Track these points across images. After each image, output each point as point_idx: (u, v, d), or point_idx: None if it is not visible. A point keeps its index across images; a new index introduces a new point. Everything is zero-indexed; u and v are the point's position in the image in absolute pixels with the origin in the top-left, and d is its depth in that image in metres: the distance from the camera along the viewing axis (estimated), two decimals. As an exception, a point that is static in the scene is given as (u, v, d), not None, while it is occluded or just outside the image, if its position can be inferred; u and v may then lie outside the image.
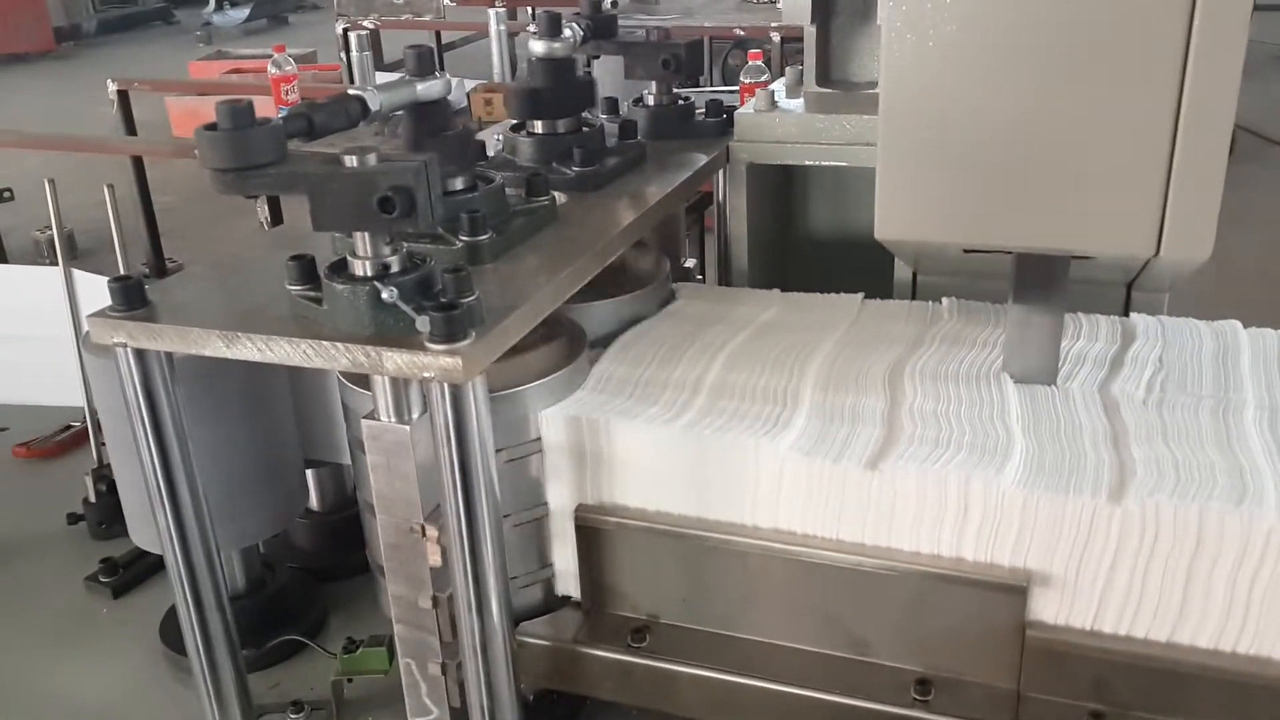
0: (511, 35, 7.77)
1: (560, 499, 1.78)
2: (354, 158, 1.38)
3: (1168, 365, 1.84)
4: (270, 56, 5.83)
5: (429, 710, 1.68)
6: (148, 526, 2.11)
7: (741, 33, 5.52)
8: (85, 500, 2.73)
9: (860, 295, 2.13)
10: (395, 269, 1.43)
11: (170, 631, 2.37)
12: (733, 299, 2.14)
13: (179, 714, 2.18)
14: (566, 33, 2.01)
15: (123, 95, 6.69)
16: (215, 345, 1.47)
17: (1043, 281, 1.72)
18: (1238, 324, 1.96)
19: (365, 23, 7.59)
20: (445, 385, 1.39)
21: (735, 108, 2.26)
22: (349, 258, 1.44)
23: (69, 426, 3.17)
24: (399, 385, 1.51)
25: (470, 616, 1.53)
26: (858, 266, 2.21)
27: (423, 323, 1.37)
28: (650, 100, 2.28)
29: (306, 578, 2.49)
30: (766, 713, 1.71)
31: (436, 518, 1.54)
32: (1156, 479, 1.54)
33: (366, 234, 1.41)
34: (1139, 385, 1.78)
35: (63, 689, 2.27)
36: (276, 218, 3.18)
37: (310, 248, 1.62)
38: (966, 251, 1.76)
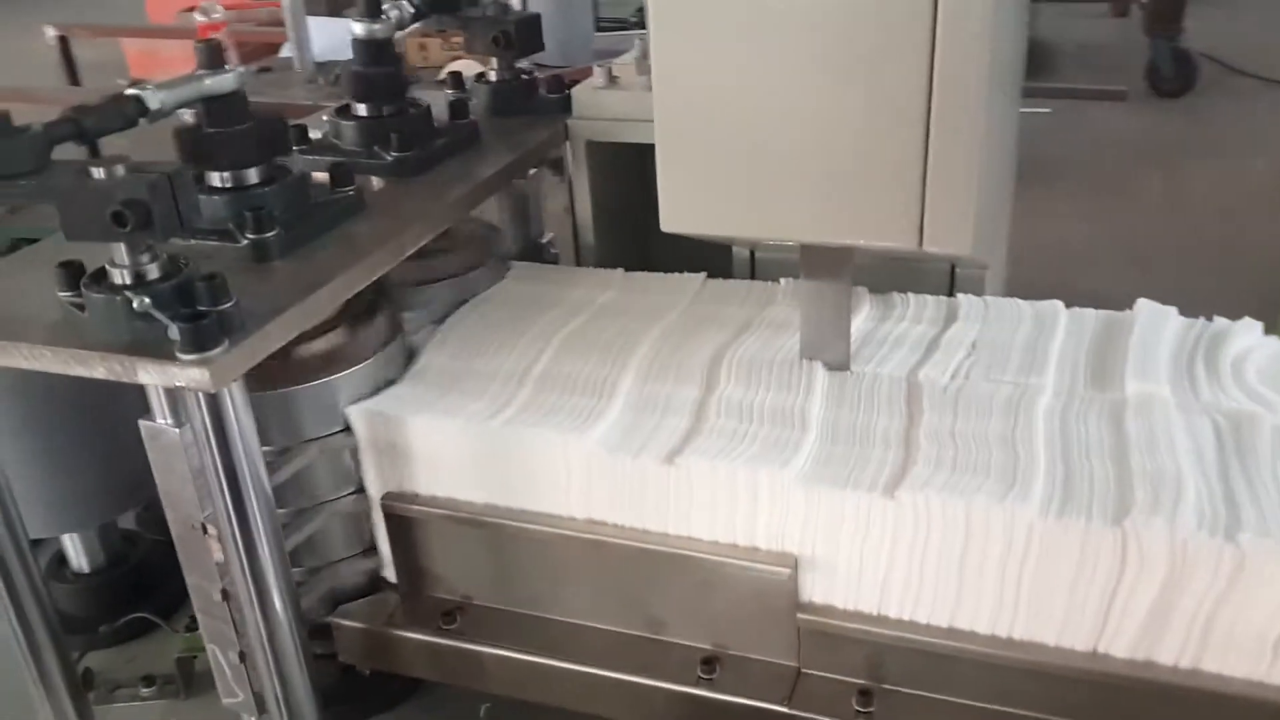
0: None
1: (373, 488, 1.81)
2: (102, 169, 1.38)
3: (980, 349, 1.86)
4: (231, -13, 5.75)
5: (236, 693, 1.72)
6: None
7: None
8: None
9: (702, 275, 2.14)
10: (154, 276, 1.44)
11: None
12: (571, 279, 2.15)
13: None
14: (393, 13, 1.99)
15: (63, 41, 6.59)
16: (-12, 351, 1.48)
17: (828, 267, 1.74)
18: (1059, 304, 1.97)
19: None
20: (200, 394, 1.41)
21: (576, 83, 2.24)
22: (107, 266, 1.45)
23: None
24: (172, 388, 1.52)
25: (254, 612, 1.56)
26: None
27: (174, 332, 1.38)
28: (493, 76, 2.26)
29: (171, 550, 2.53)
30: (565, 690, 1.76)
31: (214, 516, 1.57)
32: (932, 473, 1.56)
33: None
34: (945, 371, 1.80)
35: None
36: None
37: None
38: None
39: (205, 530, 1.57)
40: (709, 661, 1.69)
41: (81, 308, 1.47)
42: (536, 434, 1.68)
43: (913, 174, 1.49)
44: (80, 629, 2.30)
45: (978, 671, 1.59)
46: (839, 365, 1.81)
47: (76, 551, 2.35)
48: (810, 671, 1.67)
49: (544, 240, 2.44)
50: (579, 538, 1.70)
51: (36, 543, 2.37)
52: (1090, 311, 1.96)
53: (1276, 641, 1.45)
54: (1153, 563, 1.45)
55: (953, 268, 2.13)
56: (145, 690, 2.16)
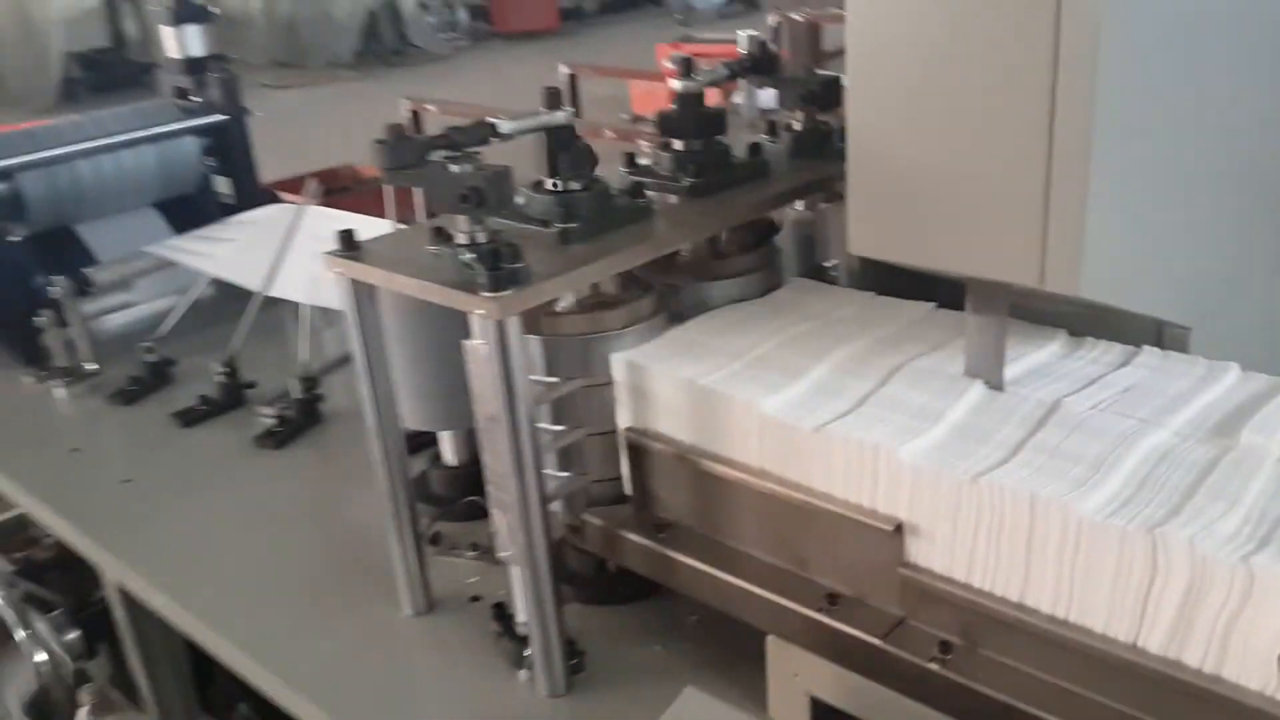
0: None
1: (621, 421, 2.43)
2: (458, 166, 2.11)
3: (1132, 390, 2.12)
4: (730, 41, 6.75)
5: (508, 548, 2.40)
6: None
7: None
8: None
9: (931, 304, 2.54)
10: (480, 240, 2.16)
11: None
12: (825, 295, 2.63)
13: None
14: (708, 74, 2.61)
15: (572, 78, 7.95)
16: (379, 277, 2.28)
17: (987, 301, 2.10)
18: (1234, 366, 2.16)
19: (795, 15, 8.25)
20: (491, 322, 2.10)
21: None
22: (452, 231, 2.19)
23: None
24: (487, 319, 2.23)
25: (514, 480, 2.23)
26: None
27: (480, 276, 2.09)
28: (796, 126, 2.80)
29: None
30: (727, 597, 2.26)
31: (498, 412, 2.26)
32: (1018, 468, 1.90)
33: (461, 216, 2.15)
34: (1089, 401, 2.09)
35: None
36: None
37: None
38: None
39: (493, 421, 2.27)
40: (833, 597, 2.12)
41: (437, 257, 2.23)
42: (729, 394, 2.21)
43: (1034, 216, 1.86)
44: (441, 504, 3.14)
45: (1037, 644, 1.90)
46: (996, 386, 2.16)
47: (449, 448, 3.20)
48: (910, 621, 2.05)
49: (827, 265, 2.93)
50: (751, 483, 2.21)
51: (430, 438, 3.25)
52: (1263, 376, 2.14)
53: (1280, 661, 1.65)
54: (1177, 572, 1.71)
55: (1159, 327, 2.36)
56: (470, 553, 2.94)
